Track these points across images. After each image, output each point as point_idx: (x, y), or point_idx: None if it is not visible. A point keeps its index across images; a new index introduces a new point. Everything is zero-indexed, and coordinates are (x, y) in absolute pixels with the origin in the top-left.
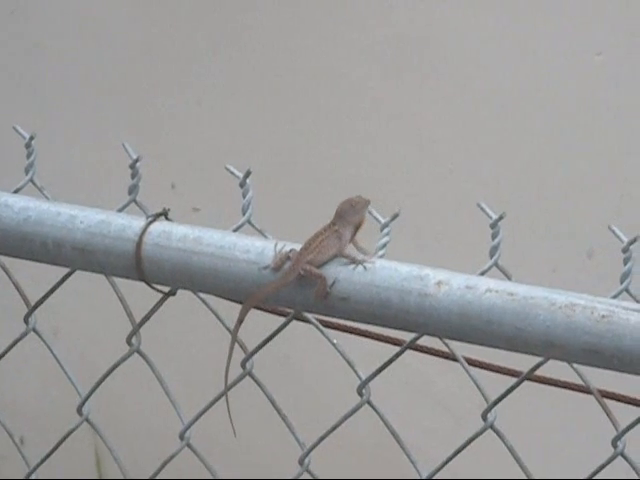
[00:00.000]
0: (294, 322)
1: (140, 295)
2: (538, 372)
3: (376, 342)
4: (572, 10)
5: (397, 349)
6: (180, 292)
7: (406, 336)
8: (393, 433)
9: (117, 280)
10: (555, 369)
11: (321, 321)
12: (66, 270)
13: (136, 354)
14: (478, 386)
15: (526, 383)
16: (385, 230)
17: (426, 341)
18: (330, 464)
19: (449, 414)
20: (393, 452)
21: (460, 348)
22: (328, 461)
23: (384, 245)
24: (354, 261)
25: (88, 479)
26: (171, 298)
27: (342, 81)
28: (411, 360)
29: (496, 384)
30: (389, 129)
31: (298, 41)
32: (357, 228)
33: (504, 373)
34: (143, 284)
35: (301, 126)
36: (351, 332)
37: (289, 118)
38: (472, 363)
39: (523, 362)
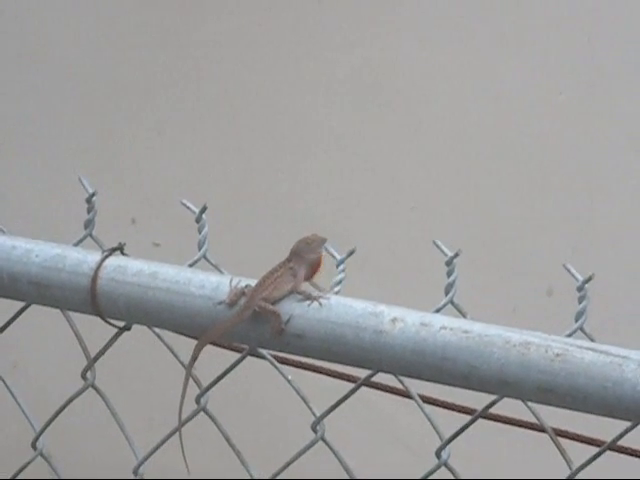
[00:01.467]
0: (254, 358)
1: (97, 328)
2: (493, 410)
3: (334, 378)
4: (535, 50)
5: (353, 386)
6: (136, 327)
7: (362, 373)
8: (347, 470)
9: (75, 314)
10: (510, 407)
11: (276, 357)
12: (22, 304)
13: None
14: (432, 423)
15: (481, 421)
16: (341, 267)
17: (384, 378)
18: None
19: (409, 451)
20: None
21: (418, 385)
22: None
23: (340, 281)
24: (309, 297)
25: None
26: (127, 333)
27: (301, 116)
28: (372, 397)
29: (453, 421)
30: (349, 165)
31: (257, 76)
32: (313, 266)
33: (458, 411)
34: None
35: (260, 161)
36: (306, 368)
37: (249, 153)
38: (427, 400)
39: (480, 400)
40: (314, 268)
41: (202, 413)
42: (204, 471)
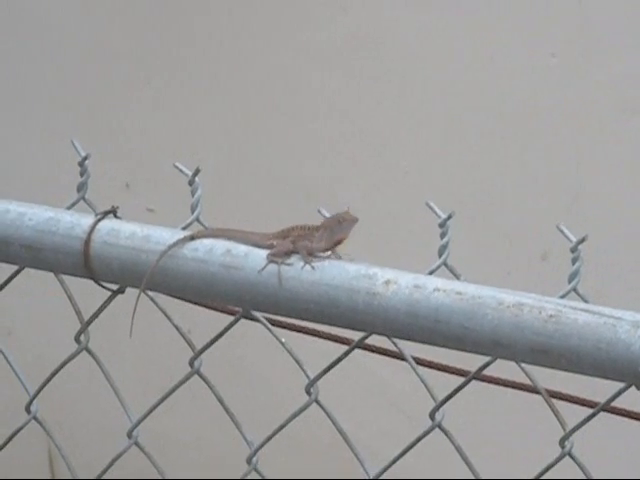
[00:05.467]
0: (247, 324)
1: (91, 293)
2: (487, 372)
3: (328, 342)
4: (527, 12)
5: (347, 348)
6: (129, 290)
7: (356, 335)
8: (340, 431)
9: (68, 278)
10: (503, 369)
11: (270, 320)
12: (14, 268)
13: (85, 352)
14: (426, 385)
15: (475, 383)
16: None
17: (377, 341)
18: (282, 464)
19: (403, 415)
20: (346, 453)
21: (411, 347)
22: (280, 461)
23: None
24: (305, 258)
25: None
26: (121, 296)
27: (295, 81)
28: (365, 361)
29: (447, 384)
30: (342, 130)
31: (253, 41)
32: (337, 242)
33: (452, 372)
34: (93, 282)
35: (254, 126)
36: (300, 331)
37: (243, 118)
38: (420, 362)
39: (473, 361)
40: (337, 243)
41: (195, 377)
42: (197, 436)
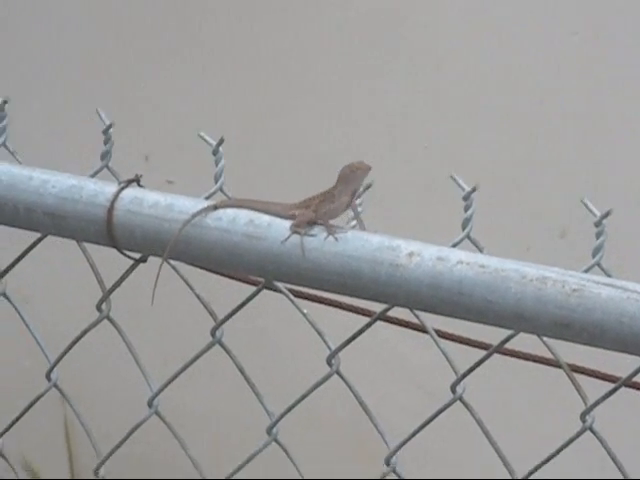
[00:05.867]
0: (268, 294)
1: (112, 262)
2: (508, 345)
3: (347, 315)
4: None
5: (368, 320)
6: (151, 259)
7: (377, 307)
8: (361, 403)
9: (88, 246)
10: (525, 342)
11: (292, 291)
12: (37, 235)
13: (107, 322)
14: (447, 358)
15: (496, 357)
16: (357, 201)
17: (399, 313)
18: (300, 436)
19: (422, 391)
20: (364, 426)
21: (431, 320)
22: (298, 433)
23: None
24: (328, 230)
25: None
26: (143, 265)
27: (315, 58)
28: (385, 334)
29: (467, 357)
30: (362, 105)
31: (271, 15)
32: (355, 193)
33: (474, 345)
34: (115, 251)
35: (274, 101)
36: (322, 302)
37: (263, 93)
38: (442, 335)
39: (494, 335)
40: (354, 193)
41: (215, 348)
42: (216, 406)
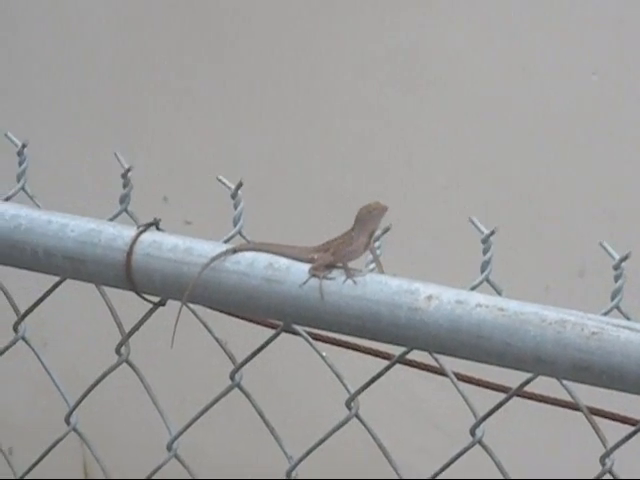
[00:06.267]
0: (285, 338)
1: (130, 306)
2: (527, 388)
3: (365, 358)
4: (568, 30)
5: (387, 363)
6: (170, 303)
7: (396, 351)
8: (380, 446)
9: (107, 290)
10: (544, 385)
11: (310, 334)
12: (55, 279)
13: (125, 365)
14: (466, 401)
15: (516, 399)
16: (376, 244)
17: (416, 356)
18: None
19: (441, 432)
20: (382, 468)
21: (450, 363)
22: (316, 476)
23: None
24: (347, 273)
25: None
26: (161, 309)
27: (335, 95)
28: (402, 378)
29: (486, 400)
30: (382, 143)
31: (292, 53)
32: (372, 234)
33: (493, 389)
34: (133, 294)
35: (294, 139)
36: (341, 345)
37: (282, 132)
38: (461, 378)
39: (513, 378)
40: (371, 234)
41: (234, 390)
42: (236, 449)
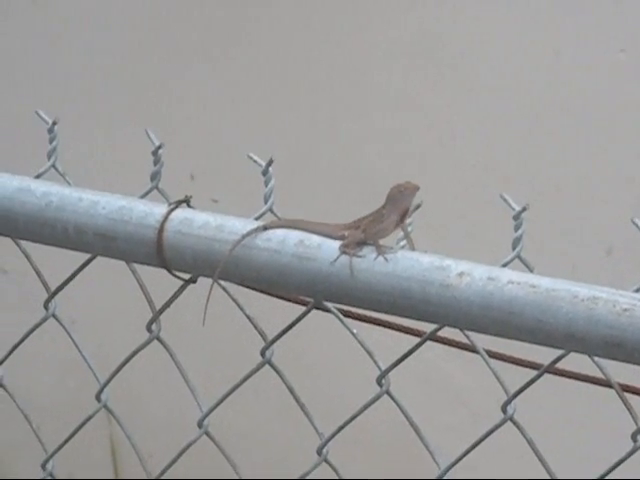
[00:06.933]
0: (314, 315)
1: (160, 283)
2: (559, 365)
3: (392, 335)
4: (595, 7)
5: (416, 340)
6: (201, 280)
7: (427, 328)
8: (412, 424)
9: (137, 267)
10: (576, 362)
11: (341, 311)
12: (87, 256)
13: (156, 342)
14: (498, 378)
15: (546, 376)
16: (407, 221)
17: (446, 333)
18: (349, 457)
19: (467, 410)
20: (412, 446)
21: (480, 341)
22: (346, 454)
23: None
24: (378, 250)
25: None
26: (192, 286)
27: (363, 76)
28: (429, 355)
29: (514, 378)
30: (410, 124)
31: (321, 36)
32: (404, 213)
33: (524, 365)
34: (163, 272)
35: (322, 120)
36: (371, 322)
37: (310, 113)
38: (492, 355)
39: (543, 355)
40: (404, 213)
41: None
42: (266, 427)
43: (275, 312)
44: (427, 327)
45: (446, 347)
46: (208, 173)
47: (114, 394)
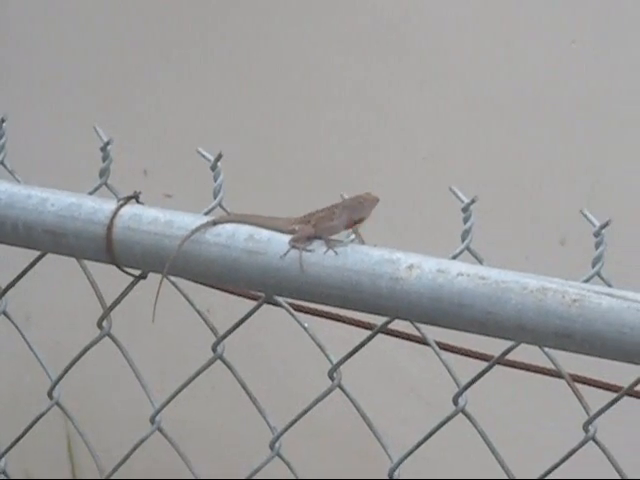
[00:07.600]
0: (267, 309)
1: (111, 279)
2: (509, 356)
3: (347, 328)
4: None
5: (368, 333)
6: (151, 276)
7: (378, 320)
8: (363, 417)
9: (89, 264)
10: (526, 353)
11: (292, 305)
12: (37, 253)
13: (108, 338)
14: (449, 370)
15: (498, 368)
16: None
17: (398, 326)
18: (302, 450)
19: (422, 401)
20: (366, 438)
21: (432, 333)
22: (300, 447)
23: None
24: (328, 244)
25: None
26: (142, 282)
27: (317, 68)
28: (383, 347)
29: (467, 369)
30: (363, 116)
31: (275, 27)
32: (359, 221)
33: (475, 357)
34: (114, 268)
35: (275, 113)
36: (322, 316)
37: (264, 105)
38: (443, 347)
39: (494, 346)
40: (358, 221)
41: (216, 362)
42: (218, 422)
43: (228, 307)
44: (379, 320)
45: (399, 340)
46: (161, 168)
47: (71, 391)
